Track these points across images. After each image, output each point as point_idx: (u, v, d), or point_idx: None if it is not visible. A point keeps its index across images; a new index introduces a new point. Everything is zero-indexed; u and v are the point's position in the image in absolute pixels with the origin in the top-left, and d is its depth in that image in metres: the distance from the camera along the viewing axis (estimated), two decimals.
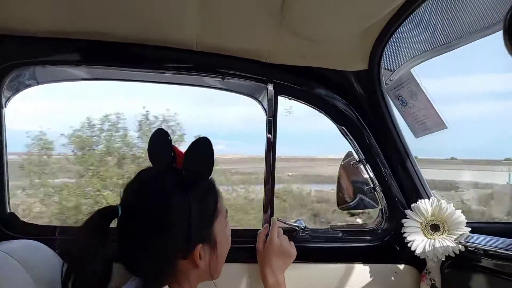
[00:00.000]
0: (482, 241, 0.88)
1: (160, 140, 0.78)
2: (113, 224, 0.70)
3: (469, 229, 0.98)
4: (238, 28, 0.93)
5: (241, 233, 1.09)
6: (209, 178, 0.76)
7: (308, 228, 1.13)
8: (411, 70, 0.98)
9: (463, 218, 0.99)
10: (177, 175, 0.72)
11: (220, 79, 1.08)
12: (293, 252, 1.03)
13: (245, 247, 1.06)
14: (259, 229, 1.08)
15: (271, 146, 1.10)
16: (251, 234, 1.08)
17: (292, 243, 1.04)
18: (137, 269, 0.71)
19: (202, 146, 0.72)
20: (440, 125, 0.95)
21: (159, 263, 0.67)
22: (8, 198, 1.05)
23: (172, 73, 1.07)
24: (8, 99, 1.02)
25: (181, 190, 0.69)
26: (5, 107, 1.01)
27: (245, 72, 1.08)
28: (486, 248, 0.86)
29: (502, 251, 0.82)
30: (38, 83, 1.07)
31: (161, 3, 0.82)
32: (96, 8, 0.84)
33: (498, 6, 0.81)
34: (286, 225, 1.13)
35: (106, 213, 0.69)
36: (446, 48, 0.96)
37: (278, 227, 1.05)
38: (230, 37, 0.97)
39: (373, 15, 0.82)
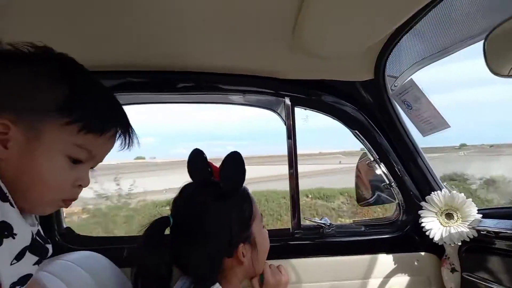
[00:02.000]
0: (491, 224, 0.97)
1: (197, 158, 0.88)
2: None
3: (480, 215, 1.07)
4: (255, 53, 1.06)
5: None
6: (243, 186, 0.86)
7: (333, 225, 1.24)
8: (412, 77, 1.09)
9: (474, 206, 1.07)
10: (215, 187, 0.82)
11: (242, 96, 1.22)
12: (285, 278, 0.95)
13: (278, 244, 1.18)
14: (288, 228, 1.19)
15: (292, 152, 1.21)
16: (282, 233, 1.21)
17: (283, 269, 0.97)
18: (189, 268, 0.81)
19: (235, 160, 0.82)
20: (443, 124, 1.05)
21: (208, 262, 0.78)
22: (63, 214, 1.19)
23: (201, 94, 1.22)
24: None
25: (220, 200, 0.80)
26: None
27: (264, 88, 1.21)
28: (495, 230, 0.95)
29: (510, 232, 0.90)
30: None
31: (194, 36, 0.95)
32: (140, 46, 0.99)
33: (481, 19, 0.94)
34: (313, 223, 1.23)
35: (161, 222, 0.80)
36: (442, 54, 1.07)
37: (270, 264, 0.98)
38: (248, 60, 1.10)
39: (376, 35, 0.93)
